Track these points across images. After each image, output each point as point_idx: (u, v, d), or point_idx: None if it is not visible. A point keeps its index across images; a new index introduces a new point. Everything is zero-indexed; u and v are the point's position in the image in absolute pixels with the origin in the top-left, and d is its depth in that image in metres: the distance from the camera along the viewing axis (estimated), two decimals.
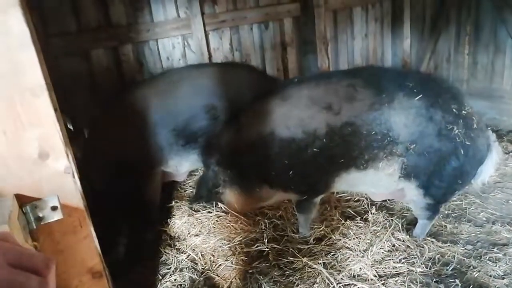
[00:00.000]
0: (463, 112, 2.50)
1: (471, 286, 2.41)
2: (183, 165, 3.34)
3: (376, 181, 2.69)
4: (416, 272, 2.56)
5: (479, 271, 2.53)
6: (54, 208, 0.87)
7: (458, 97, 2.61)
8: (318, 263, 2.67)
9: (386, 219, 3.08)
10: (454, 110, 2.49)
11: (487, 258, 2.64)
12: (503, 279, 2.47)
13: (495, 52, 5.06)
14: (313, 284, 2.54)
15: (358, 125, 2.51)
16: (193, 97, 3.14)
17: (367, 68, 2.89)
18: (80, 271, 0.92)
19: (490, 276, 2.49)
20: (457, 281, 2.46)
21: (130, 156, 3.02)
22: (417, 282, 2.47)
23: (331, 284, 2.49)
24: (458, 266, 2.60)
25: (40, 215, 0.86)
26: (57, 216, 0.87)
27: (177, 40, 3.92)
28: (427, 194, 2.63)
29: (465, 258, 2.66)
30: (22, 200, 0.82)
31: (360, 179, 2.68)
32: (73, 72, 3.42)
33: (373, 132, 2.50)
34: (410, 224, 3.07)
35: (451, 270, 2.57)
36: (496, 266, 2.56)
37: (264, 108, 2.70)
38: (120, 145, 2.99)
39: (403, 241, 2.85)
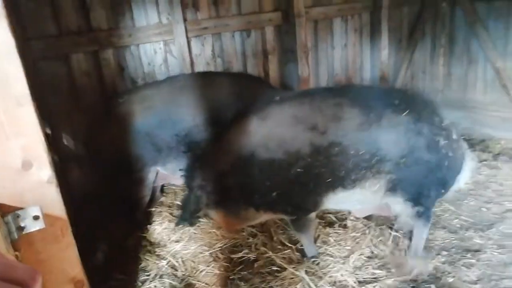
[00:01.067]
0: (443, 124, 2.57)
1: None
2: None
3: (361, 199, 2.66)
4: (393, 279, 2.62)
5: (454, 276, 2.61)
6: (36, 218, 0.86)
7: (436, 110, 2.66)
8: (300, 270, 2.70)
9: (364, 225, 3.14)
10: (437, 123, 2.55)
11: (461, 264, 2.72)
12: (476, 284, 2.55)
13: (468, 63, 5.26)
14: None
15: (345, 145, 2.46)
16: (197, 107, 3.17)
17: (351, 86, 2.92)
18: (62, 280, 0.91)
19: (464, 281, 2.58)
20: (432, 286, 2.54)
21: (125, 153, 3.07)
22: None
23: None
24: (434, 272, 2.68)
25: (22, 224, 0.85)
26: (39, 225, 0.86)
27: (159, 46, 3.91)
28: (416, 205, 2.63)
29: (440, 264, 2.74)
30: (4, 210, 0.82)
31: (346, 198, 2.62)
32: (52, 75, 3.36)
33: (361, 152, 2.45)
34: (386, 230, 3.13)
35: (427, 276, 2.64)
36: (469, 271, 2.64)
37: (245, 128, 2.60)
38: (117, 143, 3.06)
39: (381, 247, 2.92)
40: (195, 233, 3.17)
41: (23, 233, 0.85)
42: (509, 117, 4.81)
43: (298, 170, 2.46)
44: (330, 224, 3.21)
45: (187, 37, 3.96)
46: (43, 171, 0.87)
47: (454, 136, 2.60)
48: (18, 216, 0.84)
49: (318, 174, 2.48)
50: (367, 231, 3.07)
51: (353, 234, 3.06)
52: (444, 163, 2.53)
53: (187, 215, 2.89)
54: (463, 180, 2.74)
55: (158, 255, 3.01)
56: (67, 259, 0.92)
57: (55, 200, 0.89)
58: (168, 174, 3.36)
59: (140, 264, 2.96)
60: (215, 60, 4.26)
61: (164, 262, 2.92)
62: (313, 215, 2.85)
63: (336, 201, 2.66)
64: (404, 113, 2.49)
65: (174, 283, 2.74)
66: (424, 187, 2.58)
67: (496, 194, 3.58)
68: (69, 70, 3.48)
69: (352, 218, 3.24)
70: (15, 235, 0.84)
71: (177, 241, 3.11)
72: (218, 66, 4.27)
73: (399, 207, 2.66)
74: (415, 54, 5.57)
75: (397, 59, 5.55)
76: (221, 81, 3.46)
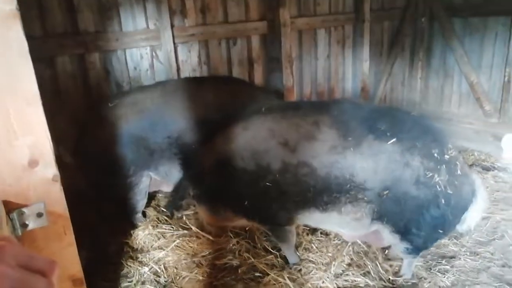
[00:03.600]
0: (445, 156, 2.32)
1: None
2: (174, 174, 3.34)
3: (342, 223, 2.56)
4: (373, 285, 2.69)
5: (430, 282, 2.71)
6: (39, 215, 0.88)
7: (440, 140, 2.41)
8: (283, 275, 2.73)
9: None
10: (436, 155, 2.30)
11: (436, 270, 2.82)
12: None
13: (444, 77, 5.49)
14: None
15: (314, 167, 2.36)
16: (189, 109, 3.18)
17: (340, 104, 2.63)
18: (62, 278, 0.93)
19: (440, 286, 2.67)
20: None
21: (117, 157, 3.07)
22: None
23: None
24: (410, 277, 2.77)
25: (26, 221, 0.87)
26: (42, 223, 0.88)
27: (146, 51, 3.92)
28: (404, 239, 2.47)
29: (417, 270, 2.83)
30: (9, 206, 0.83)
31: (324, 219, 2.56)
32: (36, 78, 3.31)
33: (333, 176, 2.34)
34: None
35: (404, 282, 2.73)
36: (444, 277, 2.74)
37: (227, 134, 2.62)
38: (108, 147, 3.05)
39: (361, 254, 2.98)
40: (178, 240, 3.16)
41: (27, 230, 0.86)
42: (482, 130, 5.04)
43: (267, 184, 2.43)
44: (313, 231, 3.26)
45: (174, 43, 3.99)
46: (49, 169, 0.89)
47: (458, 171, 2.32)
48: (22, 213, 0.86)
49: (286, 192, 2.43)
50: None
51: (335, 241, 3.12)
52: (440, 200, 2.28)
53: (175, 200, 2.99)
54: (470, 221, 2.43)
55: (140, 262, 3.00)
56: (67, 257, 0.94)
57: (58, 198, 0.91)
58: (160, 181, 3.35)
59: (122, 270, 2.93)
60: (201, 66, 4.30)
61: (146, 269, 2.90)
62: (291, 228, 2.78)
63: (314, 220, 2.63)
64: (389, 141, 2.30)
65: None
66: (412, 224, 2.37)
67: None
68: (54, 73, 3.45)
69: None
70: (19, 232, 0.85)
71: (160, 248, 3.10)
72: (204, 73, 4.30)
73: (388, 237, 2.53)
74: (395, 67, 5.76)
75: (377, 71, 5.72)
76: (211, 85, 3.50)
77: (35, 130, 0.86)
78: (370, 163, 2.31)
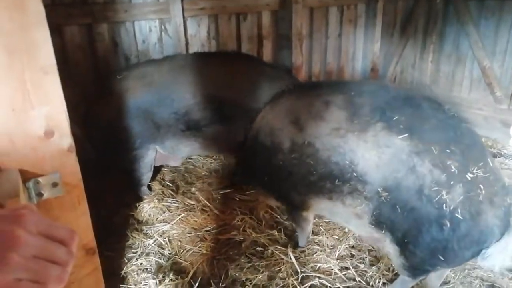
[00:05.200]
0: (468, 174, 1.91)
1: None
2: (180, 149, 3.36)
3: (347, 218, 2.41)
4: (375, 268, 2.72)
5: None
6: (55, 185, 0.88)
7: (471, 152, 1.99)
8: (286, 253, 2.77)
9: None
10: (453, 168, 1.92)
11: None
12: (451, 272, 2.69)
13: (456, 61, 5.38)
14: (278, 272, 2.65)
15: (317, 148, 2.26)
16: (197, 85, 3.17)
17: (364, 85, 2.50)
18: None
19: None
20: None
21: (123, 129, 3.08)
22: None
23: (294, 275, 2.61)
24: None
25: (41, 191, 0.87)
26: (57, 192, 0.89)
27: (154, 24, 3.86)
28: (402, 254, 2.18)
29: None
30: (25, 176, 0.84)
31: (331, 209, 2.43)
32: None
33: (333, 160, 2.20)
34: None
35: None
36: None
37: (262, 111, 2.73)
38: (115, 119, 3.06)
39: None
40: (183, 213, 3.20)
41: (42, 199, 0.87)
42: (491, 116, 4.98)
43: (279, 162, 2.46)
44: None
45: (184, 17, 3.92)
46: (64, 139, 0.89)
47: (481, 198, 1.89)
48: (38, 183, 0.86)
49: (292, 172, 2.41)
50: None
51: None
52: (444, 223, 1.93)
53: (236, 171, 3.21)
54: (498, 258, 1.96)
55: (145, 234, 3.05)
56: (81, 226, 0.95)
57: (73, 169, 0.91)
58: (166, 155, 3.37)
59: (127, 241, 2.98)
60: (210, 41, 4.24)
61: (151, 241, 2.95)
62: (307, 214, 2.68)
63: (325, 209, 2.53)
64: (399, 136, 2.02)
65: (160, 261, 2.78)
66: (410, 238, 2.07)
67: None
68: (62, 42, 3.41)
69: None
70: (35, 201, 0.86)
71: (164, 221, 3.15)
72: (212, 48, 4.25)
73: (388, 246, 2.25)
74: (406, 49, 5.65)
75: (388, 52, 5.63)
76: (220, 61, 3.46)
77: (52, 100, 0.85)
78: (372, 154, 2.08)
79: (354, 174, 2.14)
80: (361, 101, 2.23)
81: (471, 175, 1.91)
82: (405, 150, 2.01)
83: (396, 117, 2.08)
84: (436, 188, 1.93)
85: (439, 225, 1.95)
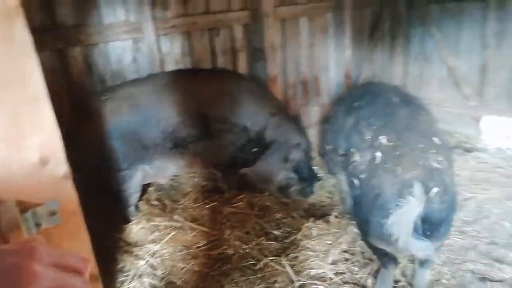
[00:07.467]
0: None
1: None
2: (168, 168, 3.31)
3: None
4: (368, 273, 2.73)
5: None
6: (53, 213, 0.87)
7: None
8: (280, 262, 2.77)
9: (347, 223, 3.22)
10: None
11: None
12: (442, 267, 2.75)
13: (424, 62, 5.58)
14: (274, 283, 2.65)
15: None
16: (183, 103, 3.15)
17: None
18: None
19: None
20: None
21: (110, 151, 3.03)
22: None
23: (290, 284, 2.61)
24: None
25: (40, 220, 0.85)
26: (55, 221, 0.87)
27: (128, 44, 3.84)
28: None
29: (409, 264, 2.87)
30: (22, 205, 0.82)
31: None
32: None
33: None
34: None
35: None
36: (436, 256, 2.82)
37: None
38: (101, 141, 3.01)
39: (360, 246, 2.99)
40: (173, 232, 3.16)
41: (41, 229, 0.85)
42: (462, 113, 5.17)
43: None
44: (315, 217, 3.30)
45: (157, 35, 3.92)
46: (60, 166, 0.87)
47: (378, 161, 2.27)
48: (35, 213, 0.84)
49: None
50: (348, 228, 3.14)
51: (334, 230, 3.14)
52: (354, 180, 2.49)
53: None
54: (400, 230, 1.96)
55: (136, 255, 2.98)
56: (82, 253, 0.93)
57: (71, 195, 0.89)
58: (155, 173, 3.33)
59: (118, 265, 2.92)
60: (184, 58, 4.25)
61: (142, 262, 2.90)
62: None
63: None
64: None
65: (154, 282, 2.73)
66: None
67: None
68: None
69: (336, 214, 3.34)
70: (33, 232, 0.84)
71: (154, 241, 3.09)
72: (187, 65, 4.25)
73: None
74: (376, 54, 5.83)
75: (359, 58, 5.78)
76: (205, 78, 3.48)
77: (44, 127, 0.84)
78: None
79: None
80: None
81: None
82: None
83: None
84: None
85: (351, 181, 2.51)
